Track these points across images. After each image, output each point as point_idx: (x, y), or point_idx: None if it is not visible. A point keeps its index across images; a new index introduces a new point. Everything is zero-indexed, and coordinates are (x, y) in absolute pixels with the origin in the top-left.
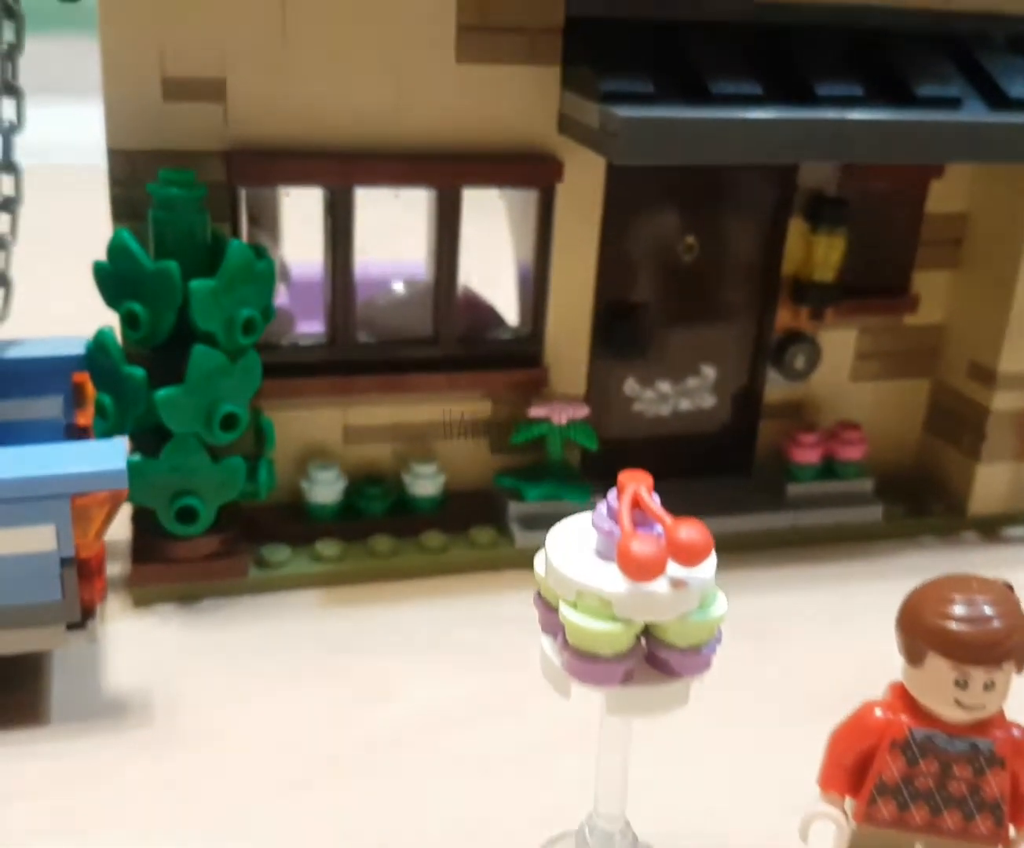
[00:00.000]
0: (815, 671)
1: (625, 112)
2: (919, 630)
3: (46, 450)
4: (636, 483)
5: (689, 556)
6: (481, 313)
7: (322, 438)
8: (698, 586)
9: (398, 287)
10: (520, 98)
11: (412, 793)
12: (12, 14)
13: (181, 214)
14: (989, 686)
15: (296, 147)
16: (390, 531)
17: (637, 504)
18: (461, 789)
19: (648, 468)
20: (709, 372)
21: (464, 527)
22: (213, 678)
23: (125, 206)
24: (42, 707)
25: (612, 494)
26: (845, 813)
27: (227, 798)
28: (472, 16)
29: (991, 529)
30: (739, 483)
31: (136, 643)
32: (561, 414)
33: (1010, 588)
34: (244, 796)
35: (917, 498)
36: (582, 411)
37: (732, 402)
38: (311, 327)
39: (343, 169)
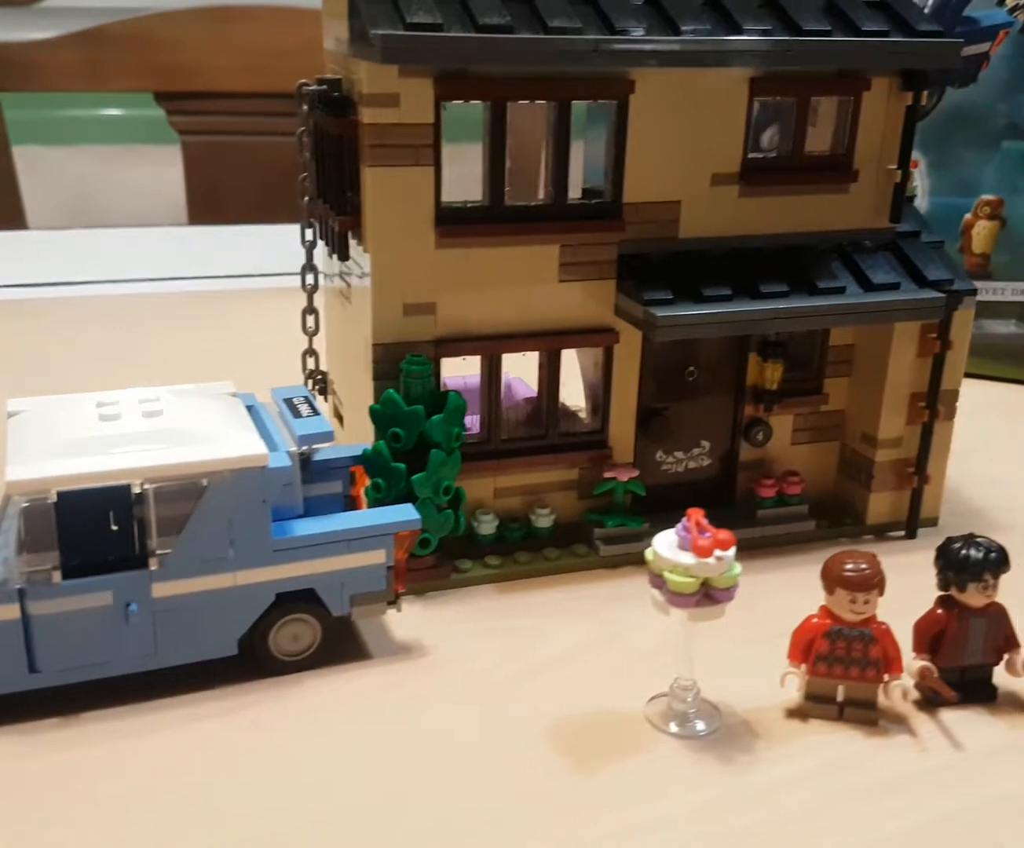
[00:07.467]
0: (780, 609)
1: (660, 312)
2: (831, 576)
3: (382, 511)
4: (697, 512)
5: (724, 546)
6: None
7: (482, 495)
8: (728, 559)
9: (524, 404)
10: (593, 299)
11: (568, 690)
12: None
13: (418, 380)
14: (866, 602)
15: (470, 335)
16: (525, 549)
17: (699, 523)
18: (597, 682)
19: (669, 504)
20: (706, 444)
21: (568, 545)
22: (442, 631)
23: (383, 371)
24: (365, 649)
25: (684, 519)
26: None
27: (455, 694)
28: (566, 258)
29: (881, 532)
30: (726, 511)
31: (404, 615)
32: (623, 474)
33: (875, 556)
34: (467, 691)
35: (835, 516)
36: (635, 473)
37: (720, 462)
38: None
39: (495, 345)
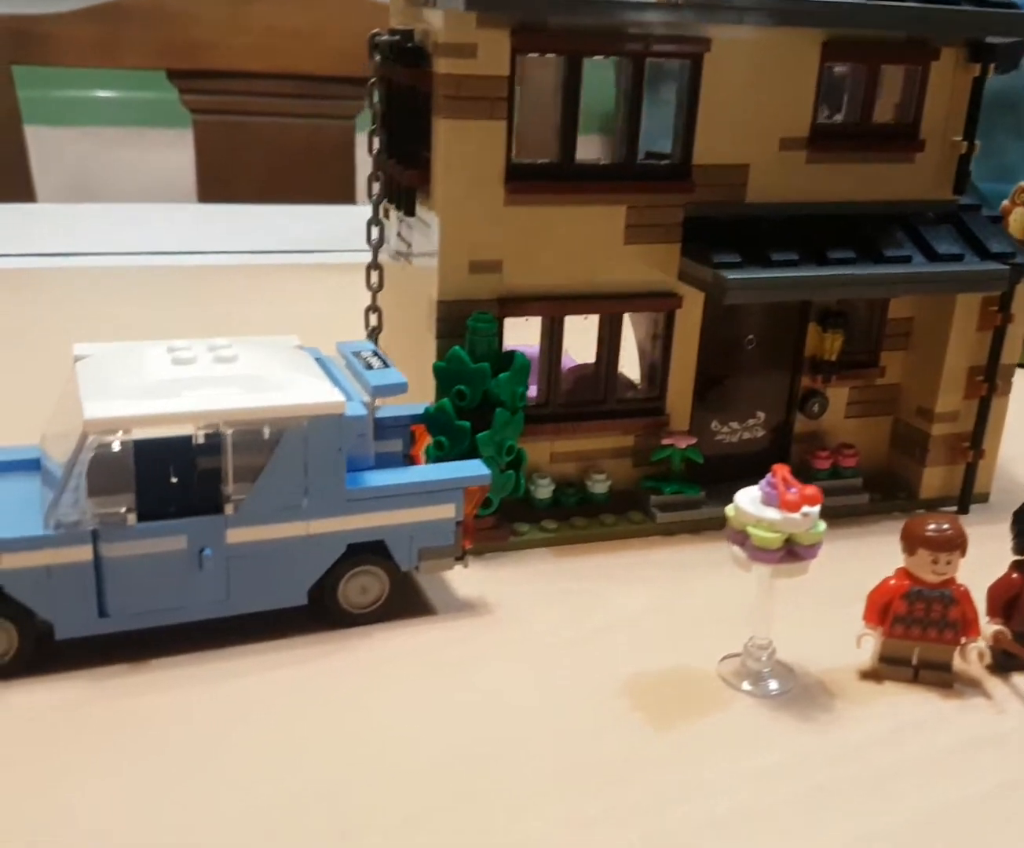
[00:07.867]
0: (839, 580)
1: (730, 274)
2: (914, 537)
3: (453, 465)
4: (783, 468)
5: (811, 502)
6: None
7: (538, 459)
8: (814, 515)
9: (582, 369)
10: (657, 263)
11: (635, 650)
12: None
13: (484, 337)
14: (948, 562)
15: (534, 294)
16: (581, 514)
17: (785, 479)
18: (664, 643)
19: (723, 474)
20: (761, 415)
21: (623, 511)
22: (502, 591)
23: (446, 330)
24: (429, 605)
25: (769, 475)
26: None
27: (521, 653)
28: (633, 220)
29: (933, 507)
30: None
31: (464, 574)
32: (681, 441)
33: (956, 518)
34: (533, 650)
35: (887, 489)
36: (692, 440)
37: (774, 433)
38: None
39: (558, 306)
